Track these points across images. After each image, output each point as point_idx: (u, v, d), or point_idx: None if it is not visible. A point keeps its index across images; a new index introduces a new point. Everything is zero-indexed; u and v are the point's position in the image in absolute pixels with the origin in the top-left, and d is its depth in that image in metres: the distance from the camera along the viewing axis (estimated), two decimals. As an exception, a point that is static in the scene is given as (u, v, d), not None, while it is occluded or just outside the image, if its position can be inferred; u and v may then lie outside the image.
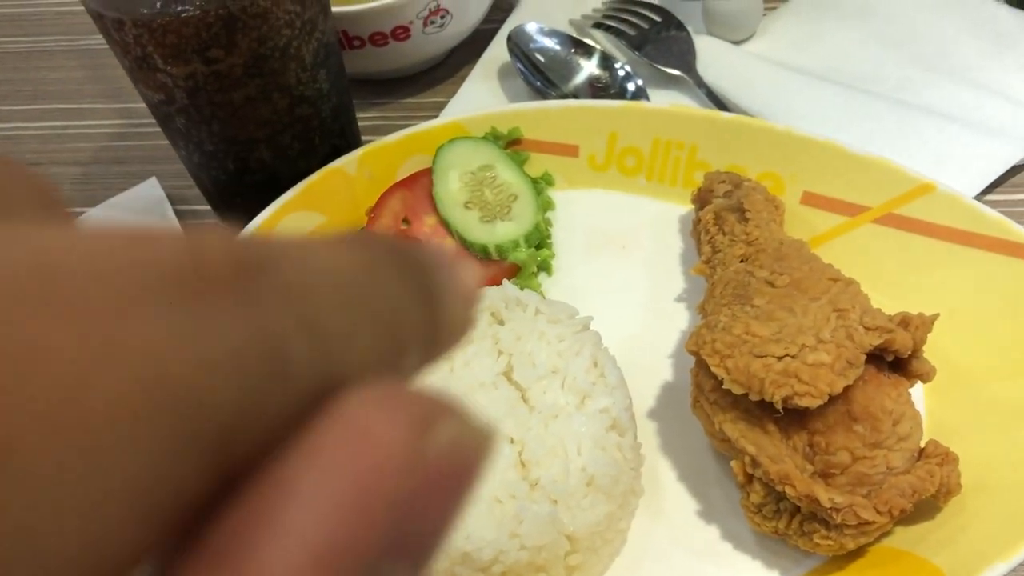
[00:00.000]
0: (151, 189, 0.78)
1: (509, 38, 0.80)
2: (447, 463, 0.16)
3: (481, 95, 0.81)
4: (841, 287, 0.54)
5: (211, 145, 0.67)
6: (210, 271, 0.14)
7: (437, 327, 0.19)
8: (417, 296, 0.19)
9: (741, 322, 0.53)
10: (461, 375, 0.55)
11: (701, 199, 0.67)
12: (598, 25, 0.85)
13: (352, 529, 0.14)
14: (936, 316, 0.52)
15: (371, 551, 0.15)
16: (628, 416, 0.54)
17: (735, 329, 0.53)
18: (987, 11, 0.81)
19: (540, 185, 0.72)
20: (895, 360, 0.53)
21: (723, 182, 0.66)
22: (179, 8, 0.57)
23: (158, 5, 0.58)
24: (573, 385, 0.54)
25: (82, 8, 0.62)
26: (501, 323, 0.58)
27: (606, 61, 0.79)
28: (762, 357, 0.50)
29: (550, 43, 0.80)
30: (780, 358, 0.50)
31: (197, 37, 0.59)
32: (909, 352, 0.52)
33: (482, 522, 0.49)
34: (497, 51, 0.84)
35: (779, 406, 0.49)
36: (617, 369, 0.56)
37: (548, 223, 0.70)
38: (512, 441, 0.52)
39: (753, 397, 0.50)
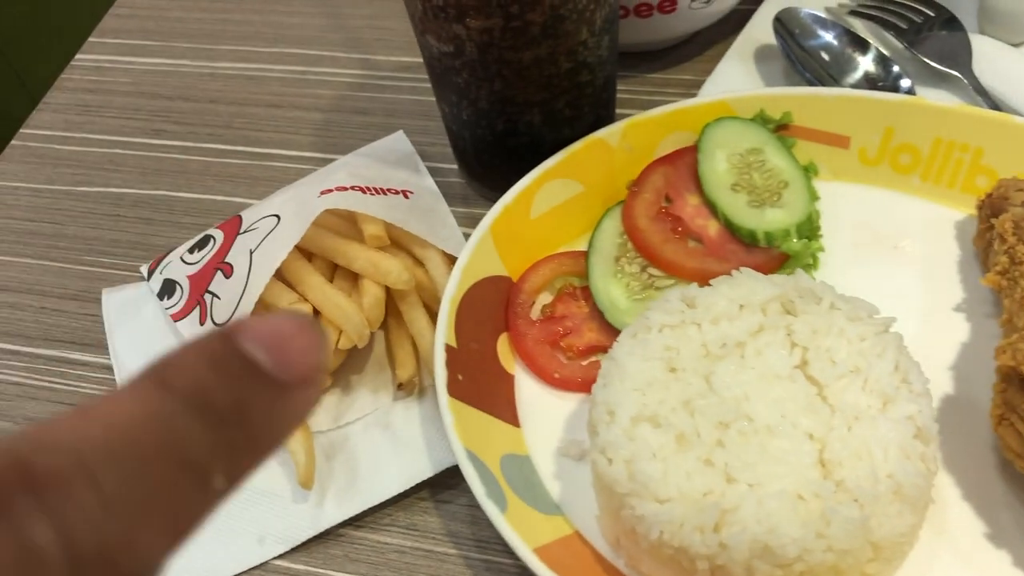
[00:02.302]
0: (401, 143, 0.79)
1: (778, 21, 0.77)
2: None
3: (737, 76, 0.79)
4: None
5: (487, 104, 0.66)
6: None
7: (246, 442, 0.21)
8: (218, 424, 0.20)
9: (1073, 341, 0.50)
10: (753, 363, 0.53)
11: (992, 206, 0.63)
12: (858, 14, 0.82)
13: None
14: None
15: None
16: (933, 426, 0.52)
17: (1065, 348, 0.49)
18: None
19: (808, 174, 0.69)
20: None
21: (1021, 190, 0.62)
22: (495, -39, 0.57)
23: (475, -44, 0.57)
24: (876, 388, 0.52)
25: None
26: (792, 314, 0.55)
27: (881, 57, 0.76)
28: (1102, 381, 0.47)
29: (823, 32, 0.76)
30: (1123, 384, 0.47)
31: (504, -7, 0.58)
32: None
33: (786, 518, 0.47)
34: (754, 33, 0.81)
35: (1121, 435, 0.46)
36: (922, 376, 0.53)
37: (818, 214, 0.68)
38: (812, 438, 0.50)
39: (1089, 422, 0.47)
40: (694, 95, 0.77)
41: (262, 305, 0.64)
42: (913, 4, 0.80)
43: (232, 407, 0.21)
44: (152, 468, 0.19)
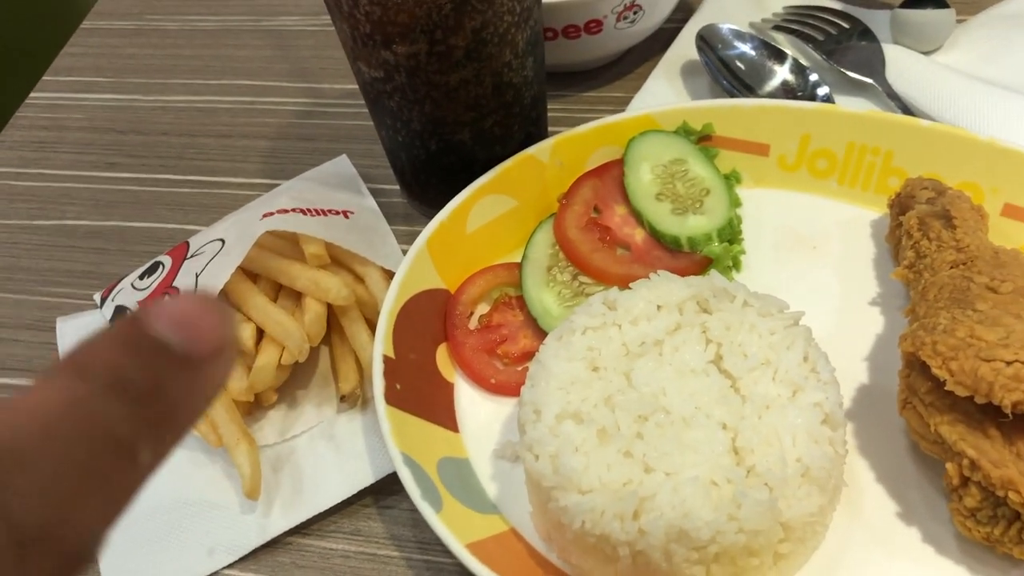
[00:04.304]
0: (343, 166, 0.81)
1: (700, 38, 0.81)
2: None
3: (664, 92, 0.82)
4: (1068, 297, 0.54)
5: (419, 125, 0.69)
6: None
7: (166, 416, 0.23)
8: (136, 401, 0.22)
9: (964, 326, 0.53)
10: (671, 360, 0.56)
11: (901, 204, 0.67)
12: (779, 28, 0.85)
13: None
14: None
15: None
16: (840, 412, 0.55)
17: (958, 332, 0.52)
18: None
19: (729, 182, 0.72)
20: (1124, 375, 0.52)
21: (925, 188, 0.66)
22: (416, -11, 0.60)
23: (396, -15, 0.60)
24: (785, 378, 0.54)
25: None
26: (708, 312, 0.58)
27: (798, 67, 0.79)
28: (990, 361, 0.50)
29: (742, 45, 0.80)
30: (1009, 363, 0.50)
31: (428, 18, 0.61)
32: None
33: (700, 503, 0.50)
34: (680, 50, 0.85)
35: (1008, 411, 0.49)
36: (829, 365, 0.56)
37: (739, 219, 0.71)
38: (725, 427, 0.53)
39: (979, 400, 0.50)
40: (624, 111, 0.81)
41: (208, 325, 0.66)
42: (830, 18, 0.84)
43: (148, 385, 0.22)
44: (80, 450, 0.21)
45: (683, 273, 0.66)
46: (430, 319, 0.68)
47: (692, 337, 0.57)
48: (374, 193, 0.80)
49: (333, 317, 0.68)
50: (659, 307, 0.58)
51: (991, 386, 0.49)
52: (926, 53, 0.82)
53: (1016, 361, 0.50)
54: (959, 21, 0.84)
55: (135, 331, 0.23)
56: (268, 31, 1.00)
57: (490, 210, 0.72)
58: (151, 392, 0.22)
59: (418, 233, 0.70)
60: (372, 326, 0.67)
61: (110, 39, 1.03)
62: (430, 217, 0.71)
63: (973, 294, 0.55)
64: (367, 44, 0.65)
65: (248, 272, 0.69)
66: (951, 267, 0.60)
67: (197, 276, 0.68)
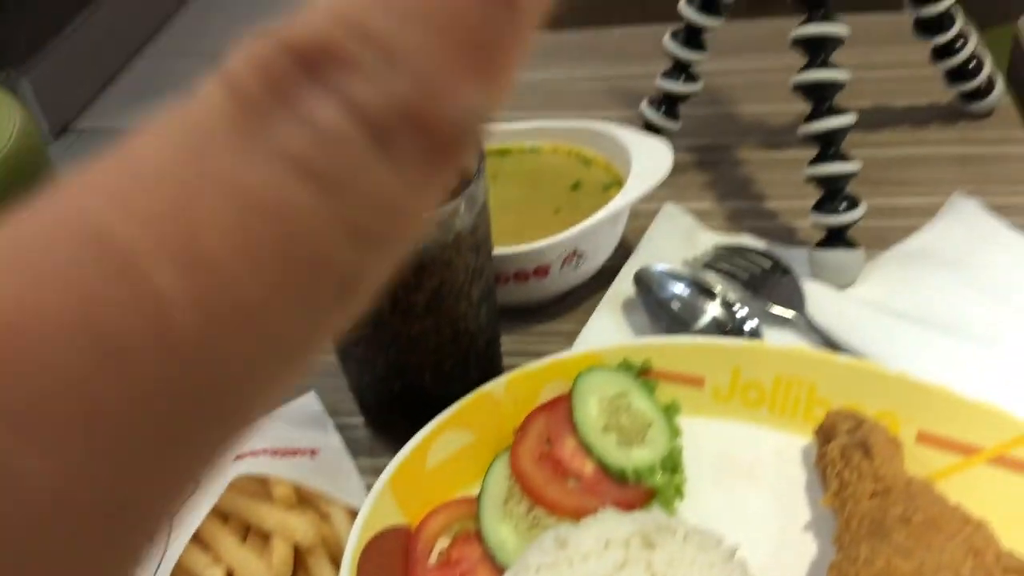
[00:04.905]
0: (311, 403, 0.87)
1: (637, 278, 0.89)
2: None
3: (607, 327, 0.90)
4: (973, 528, 0.59)
5: (383, 370, 0.76)
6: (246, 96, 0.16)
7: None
8: None
9: (882, 556, 0.58)
10: (618, 596, 0.60)
11: (825, 435, 0.73)
12: (709, 266, 0.94)
13: None
14: (1068, 561, 0.57)
15: None
16: (777, 643, 0.58)
17: (877, 563, 0.57)
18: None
19: (669, 413, 0.79)
20: (1030, 601, 0.57)
21: (846, 419, 0.72)
22: (379, 257, 0.67)
23: (362, 254, 0.67)
24: (725, 610, 0.59)
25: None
26: (652, 547, 0.63)
27: (727, 303, 0.88)
28: (907, 593, 0.55)
29: (675, 285, 0.89)
30: (924, 594, 0.55)
31: (391, 280, 0.68)
32: (1045, 595, 0.56)
33: None
34: (620, 287, 0.93)
35: (926, 641, 0.54)
36: (759, 597, 0.60)
37: (679, 449, 0.76)
38: (671, 662, 0.56)
39: (900, 631, 0.55)
40: (572, 342, 0.88)
41: (179, 569, 0.69)
42: (752, 257, 0.93)
43: None
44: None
45: (629, 503, 0.71)
46: (392, 557, 0.71)
47: (637, 573, 0.61)
48: (341, 426, 0.85)
49: (299, 554, 0.71)
50: (607, 543, 0.63)
51: (909, 617, 0.54)
52: (842, 287, 0.91)
53: (929, 592, 0.55)
54: (871, 256, 0.93)
55: None
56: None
57: (449, 445, 0.77)
58: None
59: (382, 466, 0.74)
60: (336, 563, 0.70)
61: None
62: (395, 448, 0.75)
63: (888, 525, 0.61)
64: (335, 301, 0.71)
65: (218, 512, 0.73)
66: (870, 497, 0.65)
67: (170, 519, 0.71)
